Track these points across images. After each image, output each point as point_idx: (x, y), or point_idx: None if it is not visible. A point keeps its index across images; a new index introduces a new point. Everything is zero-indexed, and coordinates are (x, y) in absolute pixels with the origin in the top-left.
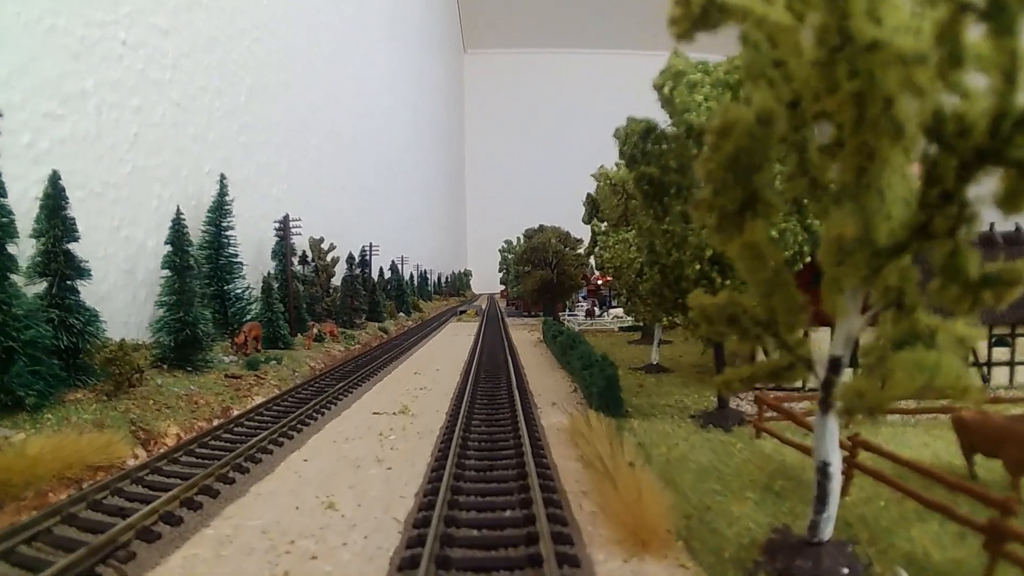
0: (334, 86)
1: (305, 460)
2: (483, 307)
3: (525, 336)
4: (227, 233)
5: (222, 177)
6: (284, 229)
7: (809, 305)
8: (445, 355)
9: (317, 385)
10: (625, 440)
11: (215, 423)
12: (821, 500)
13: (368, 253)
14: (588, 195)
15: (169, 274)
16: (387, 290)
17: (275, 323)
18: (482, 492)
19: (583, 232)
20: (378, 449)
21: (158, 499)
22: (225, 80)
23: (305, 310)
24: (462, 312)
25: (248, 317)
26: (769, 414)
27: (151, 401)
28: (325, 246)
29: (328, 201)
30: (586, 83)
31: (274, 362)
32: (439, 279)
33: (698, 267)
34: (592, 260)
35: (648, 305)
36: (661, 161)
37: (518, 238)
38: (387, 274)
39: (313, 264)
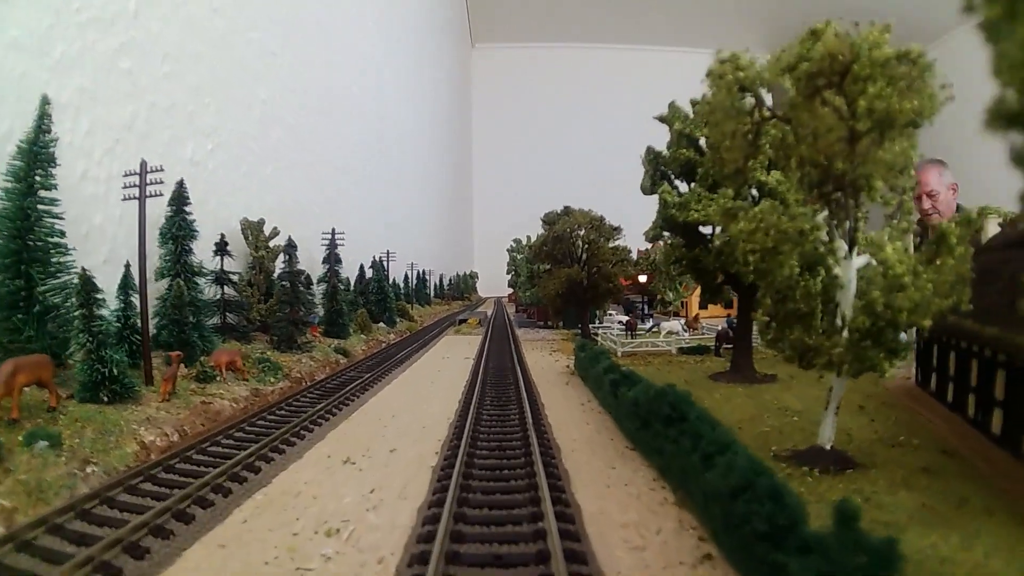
0: (298, 35)
1: None
2: (489, 313)
3: (547, 362)
4: (43, 195)
5: (43, 101)
6: (140, 185)
7: None
8: (420, 405)
9: (103, 510)
10: None
11: None
12: None
13: (332, 244)
14: (649, 149)
15: None
16: (365, 294)
17: (98, 354)
18: None
19: (620, 218)
20: None
21: None
22: None
23: (199, 325)
24: (461, 322)
25: (79, 336)
26: None
27: None
28: (268, 230)
29: (282, 176)
30: (600, 78)
31: (43, 444)
32: (441, 281)
33: None
34: (653, 251)
35: (842, 335)
36: None
37: (528, 236)
38: (368, 273)
39: (250, 257)
